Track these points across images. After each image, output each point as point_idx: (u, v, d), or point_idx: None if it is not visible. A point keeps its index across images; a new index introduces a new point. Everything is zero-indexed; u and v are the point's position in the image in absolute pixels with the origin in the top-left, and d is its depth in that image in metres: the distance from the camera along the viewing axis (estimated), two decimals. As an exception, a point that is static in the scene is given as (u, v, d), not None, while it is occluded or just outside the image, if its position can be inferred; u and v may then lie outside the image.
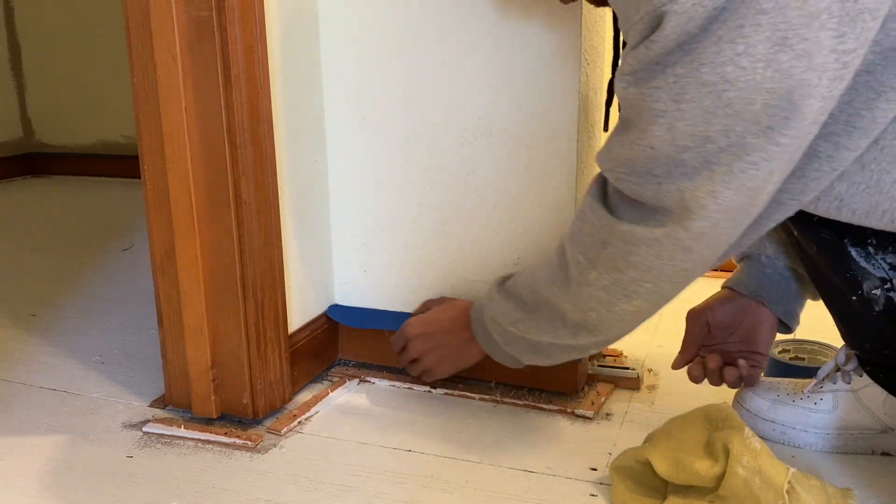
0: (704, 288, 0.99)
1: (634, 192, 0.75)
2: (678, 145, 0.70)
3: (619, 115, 0.77)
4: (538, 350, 0.93)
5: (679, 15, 0.65)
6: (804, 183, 0.74)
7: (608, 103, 1.03)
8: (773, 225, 0.78)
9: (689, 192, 0.71)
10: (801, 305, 1.03)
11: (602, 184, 0.81)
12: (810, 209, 0.78)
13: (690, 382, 1.04)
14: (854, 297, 0.85)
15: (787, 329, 1.04)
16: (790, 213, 0.76)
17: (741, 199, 0.71)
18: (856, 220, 0.75)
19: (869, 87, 0.68)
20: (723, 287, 1.05)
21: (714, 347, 1.04)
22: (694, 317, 1.05)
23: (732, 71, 0.65)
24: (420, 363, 1.08)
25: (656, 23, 0.67)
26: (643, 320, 0.86)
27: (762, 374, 1.04)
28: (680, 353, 1.05)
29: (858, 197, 0.74)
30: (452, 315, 1.07)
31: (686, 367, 1.04)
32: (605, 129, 1.06)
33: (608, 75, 1.69)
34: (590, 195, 0.82)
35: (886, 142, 0.71)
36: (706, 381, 1.03)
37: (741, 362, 1.01)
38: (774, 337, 1.04)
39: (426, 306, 1.15)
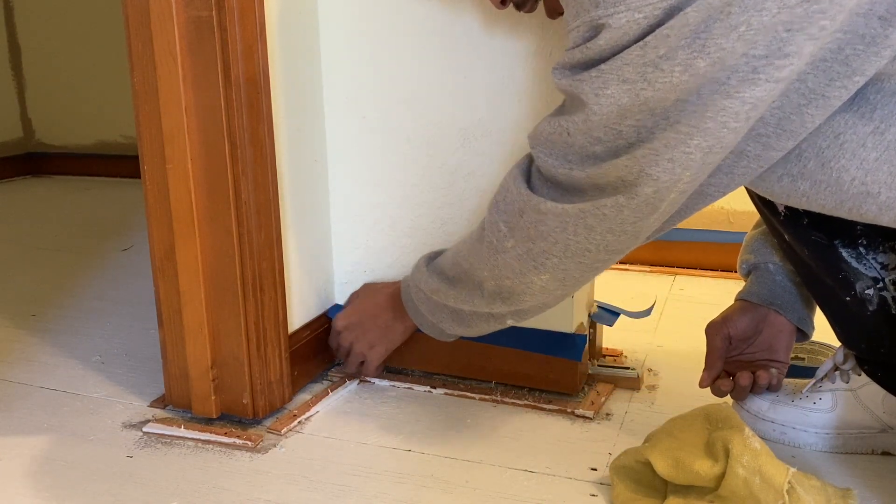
0: (720, 298, 0.98)
1: (549, 171, 0.81)
2: (592, 136, 0.75)
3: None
4: (460, 318, 1.00)
5: (615, 30, 0.69)
6: (731, 178, 0.77)
7: None
8: (692, 213, 0.82)
9: (600, 178, 0.76)
10: (814, 310, 1.03)
11: (528, 158, 0.87)
12: (781, 201, 0.81)
13: (690, 383, 1.04)
14: (848, 298, 0.85)
15: (804, 336, 1.04)
16: (712, 202, 0.81)
17: (649, 192, 0.74)
18: (827, 212, 0.77)
19: (800, 93, 0.70)
20: (736, 299, 1.05)
21: (734, 359, 1.04)
22: (714, 330, 1.03)
23: (652, 72, 0.68)
24: (353, 354, 1.15)
25: (593, 33, 0.71)
26: (552, 300, 0.92)
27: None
28: (705, 369, 1.03)
29: (822, 195, 0.75)
30: (376, 299, 1.14)
31: (713, 382, 1.03)
32: None
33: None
34: (515, 167, 0.88)
35: (846, 137, 0.72)
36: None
37: (773, 371, 1.00)
38: (793, 344, 1.04)
39: (350, 300, 1.21)
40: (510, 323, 0.98)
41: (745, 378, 1.00)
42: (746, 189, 0.88)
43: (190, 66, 0.97)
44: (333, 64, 1.16)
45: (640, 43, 0.68)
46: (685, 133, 0.70)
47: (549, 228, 0.82)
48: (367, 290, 1.19)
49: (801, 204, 0.77)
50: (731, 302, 1.07)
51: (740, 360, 1.03)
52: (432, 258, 1.05)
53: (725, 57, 0.66)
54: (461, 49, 1.09)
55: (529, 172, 0.86)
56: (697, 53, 0.66)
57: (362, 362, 1.15)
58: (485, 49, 1.07)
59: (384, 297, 1.13)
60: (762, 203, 0.92)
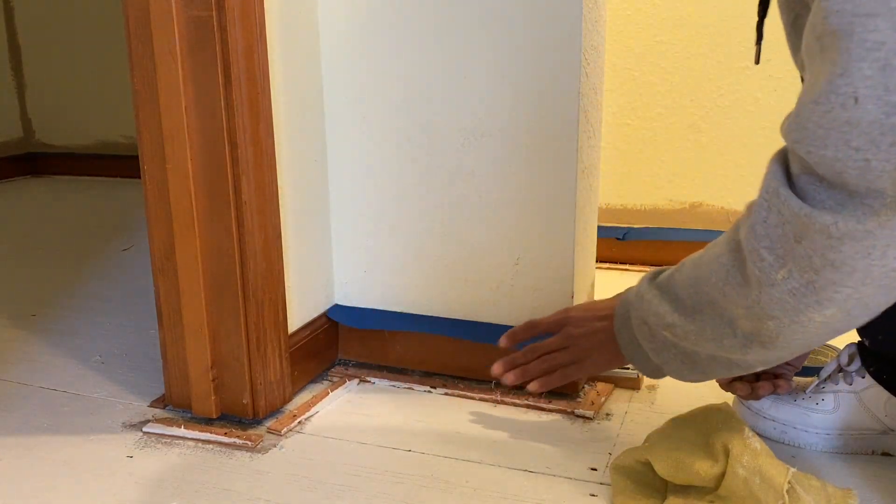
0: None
1: (831, 169, 0.60)
2: (891, 102, 0.55)
3: (809, 72, 0.62)
4: (693, 362, 0.80)
5: None
6: None
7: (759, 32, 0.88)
8: None
9: None
10: None
11: (785, 162, 0.66)
12: None
13: (690, 382, 1.03)
14: None
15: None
16: None
17: None
18: None
19: None
20: None
21: None
22: None
23: None
24: (565, 353, 0.95)
25: None
26: (830, 336, 0.71)
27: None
28: None
29: None
30: (603, 307, 0.93)
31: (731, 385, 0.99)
32: (757, 61, 0.91)
33: (608, 75, 1.70)
34: (772, 177, 0.66)
35: None
36: (706, 380, 1.02)
37: (792, 382, 0.98)
38: (810, 352, 1.02)
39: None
40: (756, 370, 0.82)
41: (764, 389, 0.97)
42: None
43: (190, 66, 0.97)
44: (333, 64, 1.16)
45: None
46: None
47: (845, 256, 0.62)
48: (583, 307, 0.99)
49: None
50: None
51: None
52: (657, 277, 0.83)
53: None
54: (461, 49, 1.09)
55: (792, 176, 0.65)
56: None
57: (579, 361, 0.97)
58: (485, 49, 1.07)
59: (605, 310, 0.93)
60: None
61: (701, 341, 0.77)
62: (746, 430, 0.86)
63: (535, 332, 1.00)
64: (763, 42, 0.87)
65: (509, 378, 0.99)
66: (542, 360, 0.97)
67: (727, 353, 0.76)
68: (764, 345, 0.72)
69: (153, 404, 1.14)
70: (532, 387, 0.97)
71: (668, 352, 0.82)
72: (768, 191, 0.67)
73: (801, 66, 0.72)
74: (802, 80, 0.73)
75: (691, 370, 0.82)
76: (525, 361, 0.99)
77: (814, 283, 0.65)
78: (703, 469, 0.83)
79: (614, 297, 0.93)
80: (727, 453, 0.83)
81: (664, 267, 0.85)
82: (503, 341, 1.02)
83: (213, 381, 1.07)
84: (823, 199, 0.62)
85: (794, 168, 0.65)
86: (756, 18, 0.89)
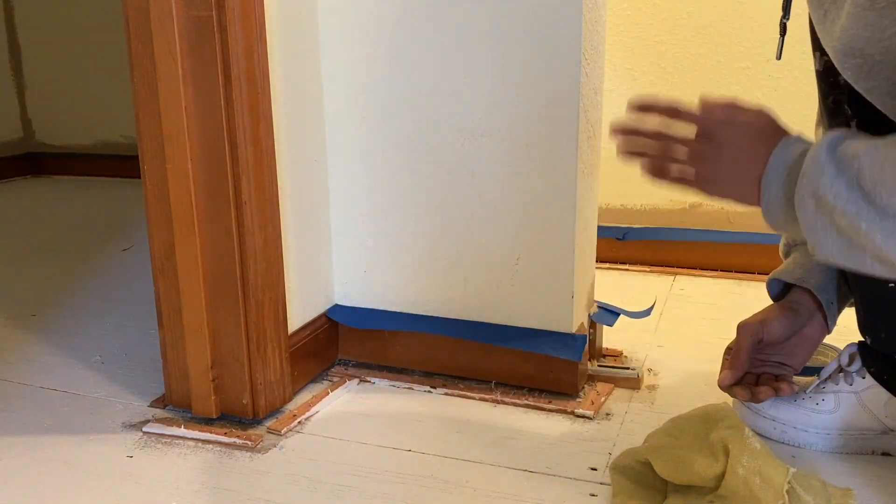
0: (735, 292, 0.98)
1: None
2: None
3: None
4: (854, 256, 0.71)
5: None
6: None
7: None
8: None
9: None
10: (844, 305, 0.99)
11: None
12: None
13: (690, 383, 1.03)
14: (892, 284, 0.82)
15: (825, 330, 1.01)
16: None
17: None
18: None
19: None
20: (770, 279, 1.01)
21: (757, 359, 1.01)
22: (748, 332, 0.98)
23: None
24: (706, 149, 0.79)
25: None
26: None
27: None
28: (730, 369, 0.99)
29: None
30: (754, 128, 0.78)
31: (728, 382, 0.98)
32: (779, 56, 0.87)
33: (608, 75, 1.69)
34: None
35: None
36: (705, 381, 1.02)
37: (794, 386, 0.98)
38: (813, 353, 1.01)
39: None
40: None
41: (765, 393, 0.97)
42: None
43: (190, 66, 0.97)
44: (333, 64, 1.16)
45: None
46: None
47: None
48: (739, 131, 0.78)
49: None
50: (730, 301, 1.06)
51: (757, 359, 1.01)
52: (838, 144, 0.71)
53: None
54: (461, 49, 1.09)
55: None
56: None
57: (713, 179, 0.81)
58: (485, 49, 1.07)
59: (763, 145, 0.77)
60: None
61: (886, 246, 0.67)
62: (746, 429, 0.86)
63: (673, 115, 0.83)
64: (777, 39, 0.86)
65: (621, 147, 0.83)
66: (666, 146, 0.81)
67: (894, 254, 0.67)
68: None
69: (153, 404, 1.14)
70: (645, 167, 0.82)
71: (829, 237, 0.71)
72: None
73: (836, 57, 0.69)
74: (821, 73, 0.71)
75: (846, 260, 0.72)
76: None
77: None
78: (703, 469, 0.83)
79: (767, 134, 0.78)
80: (727, 453, 0.83)
81: (841, 133, 0.73)
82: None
83: (213, 381, 1.06)
84: None
85: None
86: (779, 13, 0.87)
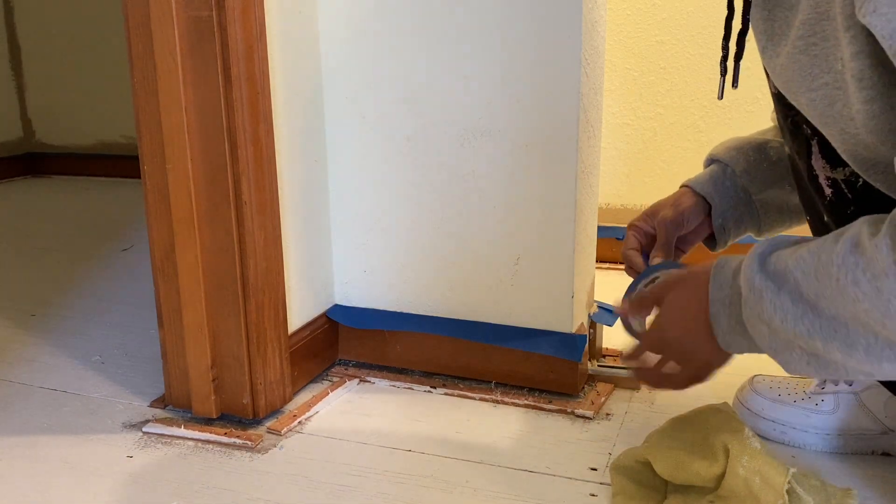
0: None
1: None
2: None
3: None
4: (823, 365, 0.69)
5: None
6: None
7: (738, 55, 0.87)
8: None
9: None
10: (737, 233, 1.00)
11: None
12: None
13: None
14: None
15: (711, 246, 1.01)
16: None
17: None
18: None
19: None
20: (681, 186, 1.01)
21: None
22: (668, 228, 0.97)
23: None
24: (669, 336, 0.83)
25: None
26: None
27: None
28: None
29: None
30: (688, 306, 0.80)
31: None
32: (733, 87, 0.89)
33: (608, 75, 1.70)
34: None
35: None
36: (706, 382, 1.01)
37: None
38: (698, 236, 1.00)
39: (660, 292, 0.85)
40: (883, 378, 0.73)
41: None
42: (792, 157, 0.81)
43: (190, 66, 0.97)
44: (333, 64, 1.16)
45: None
46: None
47: None
48: (678, 289, 0.83)
49: None
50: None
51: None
52: (766, 261, 0.70)
53: None
54: (461, 49, 1.09)
55: None
56: None
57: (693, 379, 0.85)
58: (485, 49, 1.07)
59: (695, 308, 0.78)
60: (809, 179, 0.79)
61: (847, 357, 0.65)
62: (746, 430, 0.86)
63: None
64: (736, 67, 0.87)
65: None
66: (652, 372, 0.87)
67: (882, 373, 0.66)
68: None
69: (153, 404, 1.14)
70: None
71: (792, 353, 0.70)
72: None
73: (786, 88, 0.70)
74: (779, 104, 0.71)
75: (818, 371, 0.70)
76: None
77: None
78: (703, 469, 0.83)
79: (698, 273, 0.79)
80: (727, 453, 0.83)
81: (765, 245, 0.72)
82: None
83: (213, 381, 1.07)
84: None
85: None
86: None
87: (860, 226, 0.63)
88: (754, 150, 0.98)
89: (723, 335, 0.76)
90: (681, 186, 1.02)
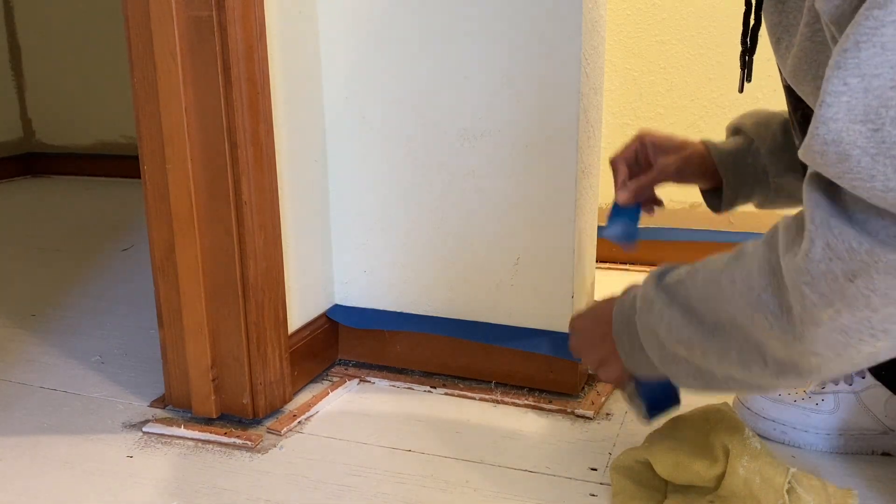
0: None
1: (884, 201, 0.52)
2: None
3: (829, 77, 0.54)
4: (707, 379, 0.72)
5: None
6: None
7: (751, 51, 0.87)
8: None
9: None
10: (744, 203, 1.00)
11: (830, 190, 0.57)
12: None
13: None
14: None
15: (714, 208, 1.01)
16: None
17: None
18: None
19: None
20: (702, 142, 1.01)
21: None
22: (667, 173, 0.99)
23: None
24: (587, 364, 0.90)
25: None
26: (868, 364, 0.63)
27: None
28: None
29: None
30: (602, 312, 0.85)
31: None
32: (746, 83, 0.88)
33: (608, 75, 1.70)
34: (814, 205, 0.57)
35: None
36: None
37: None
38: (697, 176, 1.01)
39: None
40: (780, 391, 0.78)
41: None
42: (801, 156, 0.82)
43: (190, 66, 0.97)
44: (333, 64, 1.16)
45: None
46: None
47: None
48: (586, 318, 0.91)
49: None
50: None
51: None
52: (663, 278, 0.74)
53: None
54: (461, 49, 1.08)
55: (845, 206, 0.56)
56: None
57: (597, 372, 0.90)
58: (485, 49, 1.07)
59: (606, 315, 0.84)
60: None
61: (722, 364, 0.68)
62: (746, 430, 0.86)
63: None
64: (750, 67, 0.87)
65: None
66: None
67: (755, 380, 0.68)
68: (800, 374, 0.65)
69: (153, 404, 1.14)
70: None
71: (679, 366, 0.73)
72: (814, 221, 0.58)
73: (800, 86, 0.70)
74: (792, 103, 0.72)
75: (704, 385, 0.74)
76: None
77: (869, 319, 0.58)
78: (703, 469, 0.83)
79: (609, 301, 0.85)
80: (727, 453, 0.83)
81: (666, 265, 0.76)
82: None
83: (213, 380, 1.07)
84: (886, 230, 0.54)
85: (846, 196, 0.56)
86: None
87: (770, 229, 0.66)
88: (783, 131, 0.96)
89: (626, 356, 0.80)
90: (701, 143, 0.99)
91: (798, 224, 0.61)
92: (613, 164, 1.00)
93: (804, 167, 0.74)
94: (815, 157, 0.55)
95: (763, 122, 0.99)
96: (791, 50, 0.73)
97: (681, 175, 0.99)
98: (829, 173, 0.55)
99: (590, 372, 0.91)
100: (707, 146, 0.99)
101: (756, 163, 0.97)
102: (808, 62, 0.69)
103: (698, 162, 0.98)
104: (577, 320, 0.91)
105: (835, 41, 0.58)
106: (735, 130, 1.01)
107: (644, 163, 1.00)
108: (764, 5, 0.77)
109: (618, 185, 0.99)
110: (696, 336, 0.70)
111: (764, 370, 0.66)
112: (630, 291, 0.81)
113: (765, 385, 0.69)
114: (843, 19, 0.55)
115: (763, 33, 0.83)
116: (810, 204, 0.58)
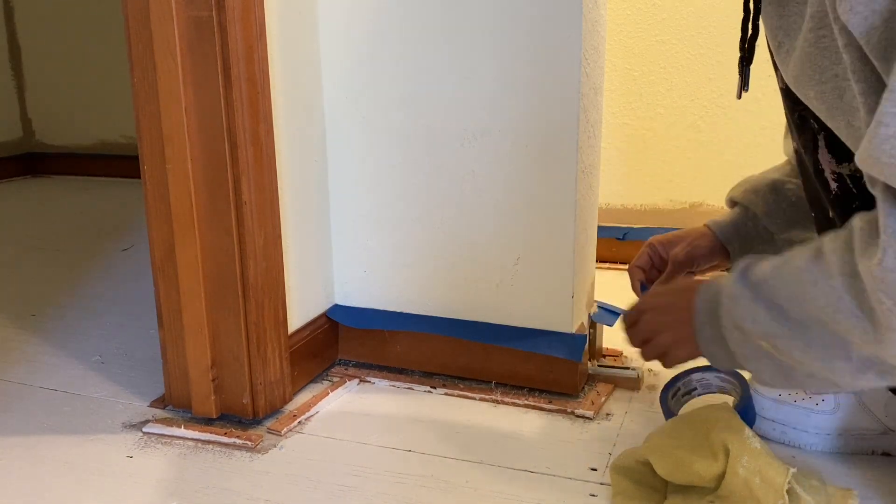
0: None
1: None
2: None
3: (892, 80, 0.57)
4: (787, 373, 0.73)
5: None
6: None
7: (748, 60, 0.89)
8: None
9: None
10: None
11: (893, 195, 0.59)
12: None
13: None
14: None
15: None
16: None
17: None
18: None
19: None
20: (705, 225, 1.06)
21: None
22: (681, 268, 1.04)
23: None
24: (653, 344, 0.89)
25: None
26: None
27: None
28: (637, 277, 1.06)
29: None
30: (685, 297, 0.85)
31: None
32: (743, 91, 0.91)
33: (608, 75, 1.70)
34: (888, 216, 0.60)
35: None
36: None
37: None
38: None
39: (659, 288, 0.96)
40: (856, 390, 0.81)
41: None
42: (798, 153, 0.82)
43: (190, 66, 0.97)
44: (333, 64, 1.16)
45: None
46: None
47: None
48: (682, 281, 0.96)
49: None
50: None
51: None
52: (748, 274, 0.75)
53: None
54: (461, 49, 1.08)
55: None
56: None
57: (664, 353, 0.89)
58: (485, 49, 1.07)
59: (685, 301, 0.84)
60: (815, 174, 0.81)
61: (805, 358, 0.70)
62: (746, 430, 0.86)
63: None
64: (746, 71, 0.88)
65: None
66: (642, 352, 0.93)
67: (833, 375, 0.69)
68: (883, 374, 0.66)
69: (153, 404, 1.14)
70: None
71: (762, 361, 0.74)
72: (886, 231, 0.60)
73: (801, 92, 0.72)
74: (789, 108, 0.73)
75: (783, 380, 0.75)
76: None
77: None
78: (703, 469, 0.83)
79: (690, 285, 0.85)
80: (727, 453, 0.83)
81: (749, 259, 0.77)
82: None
83: (213, 381, 1.07)
84: None
85: None
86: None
87: (847, 227, 0.67)
88: (771, 192, 1.01)
89: (705, 345, 0.81)
90: (704, 225, 1.06)
91: (872, 227, 0.63)
92: (629, 272, 1.07)
93: (802, 172, 0.75)
94: (882, 169, 0.58)
95: (752, 188, 1.04)
96: (792, 54, 0.73)
97: (693, 259, 1.04)
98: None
99: (644, 354, 0.92)
100: (709, 226, 1.05)
101: (756, 226, 1.02)
102: (812, 67, 0.69)
103: (706, 243, 1.04)
104: (650, 299, 0.91)
105: (852, 49, 0.60)
106: (731, 203, 1.06)
107: (659, 264, 1.07)
108: (764, 8, 0.77)
109: (635, 290, 1.06)
110: (781, 331, 0.71)
111: (847, 365, 0.67)
112: (712, 283, 0.81)
113: (844, 383, 0.70)
114: (874, 31, 0.57)
115: (761, 42, 0.83)
116: (884, 213, 0.60)
